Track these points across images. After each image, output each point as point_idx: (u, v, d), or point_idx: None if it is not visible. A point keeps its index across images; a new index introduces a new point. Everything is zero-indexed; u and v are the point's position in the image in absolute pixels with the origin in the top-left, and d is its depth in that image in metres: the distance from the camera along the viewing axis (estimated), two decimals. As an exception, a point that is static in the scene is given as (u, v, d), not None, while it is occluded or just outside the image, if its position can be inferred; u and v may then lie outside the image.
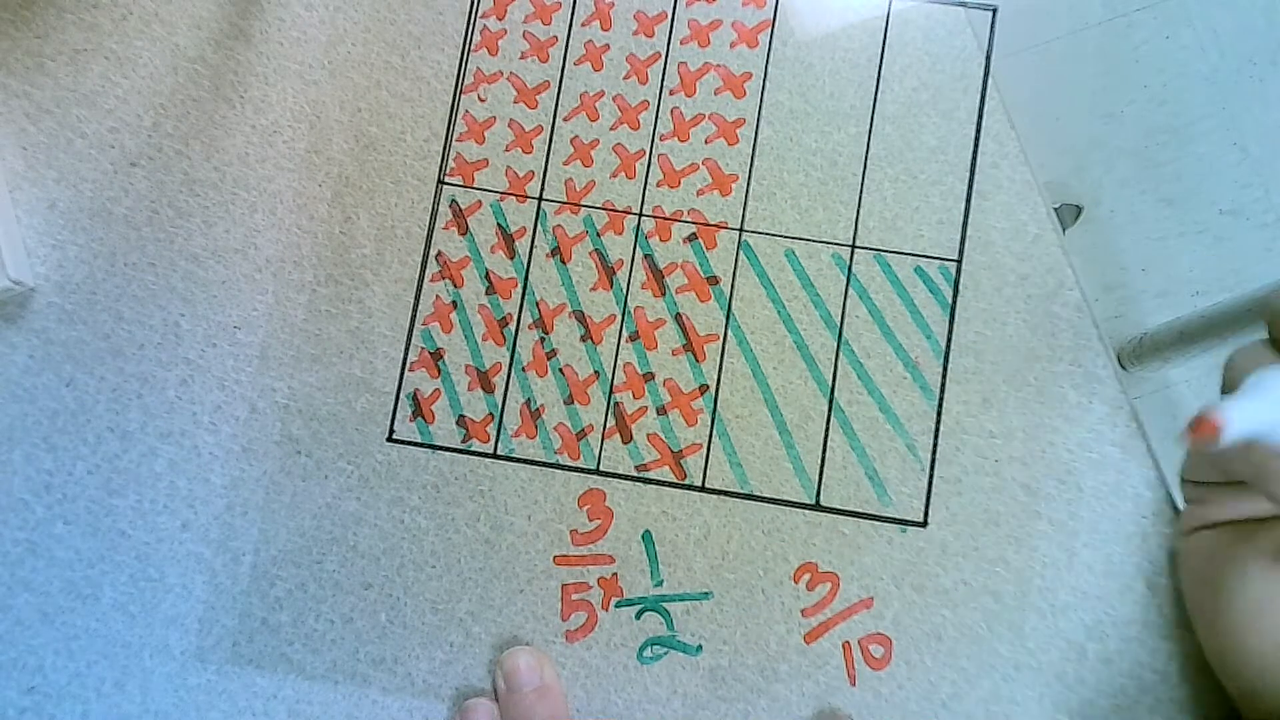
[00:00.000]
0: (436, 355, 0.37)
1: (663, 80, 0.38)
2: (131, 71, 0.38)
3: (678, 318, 0.37)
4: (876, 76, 0.38)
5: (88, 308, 0.37)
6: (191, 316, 0.37)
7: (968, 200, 0.37)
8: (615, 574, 0.35)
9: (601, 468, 0.36)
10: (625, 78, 0.38)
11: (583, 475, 0.36)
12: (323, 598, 0.36)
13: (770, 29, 0.38)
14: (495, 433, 0.36)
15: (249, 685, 0.35)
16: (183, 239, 0.38)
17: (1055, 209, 0.41)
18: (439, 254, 0.37)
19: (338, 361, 0.37)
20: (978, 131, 0.37)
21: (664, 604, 0.35)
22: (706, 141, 0.38)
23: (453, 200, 0.38)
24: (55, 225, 0.38)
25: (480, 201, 0.38)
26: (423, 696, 0.35)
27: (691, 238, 0.37)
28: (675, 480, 0.36)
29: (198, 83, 0.38)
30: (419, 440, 0.36)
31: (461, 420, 0.36)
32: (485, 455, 0.36)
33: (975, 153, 0.37)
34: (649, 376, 0.36)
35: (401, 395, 0.37)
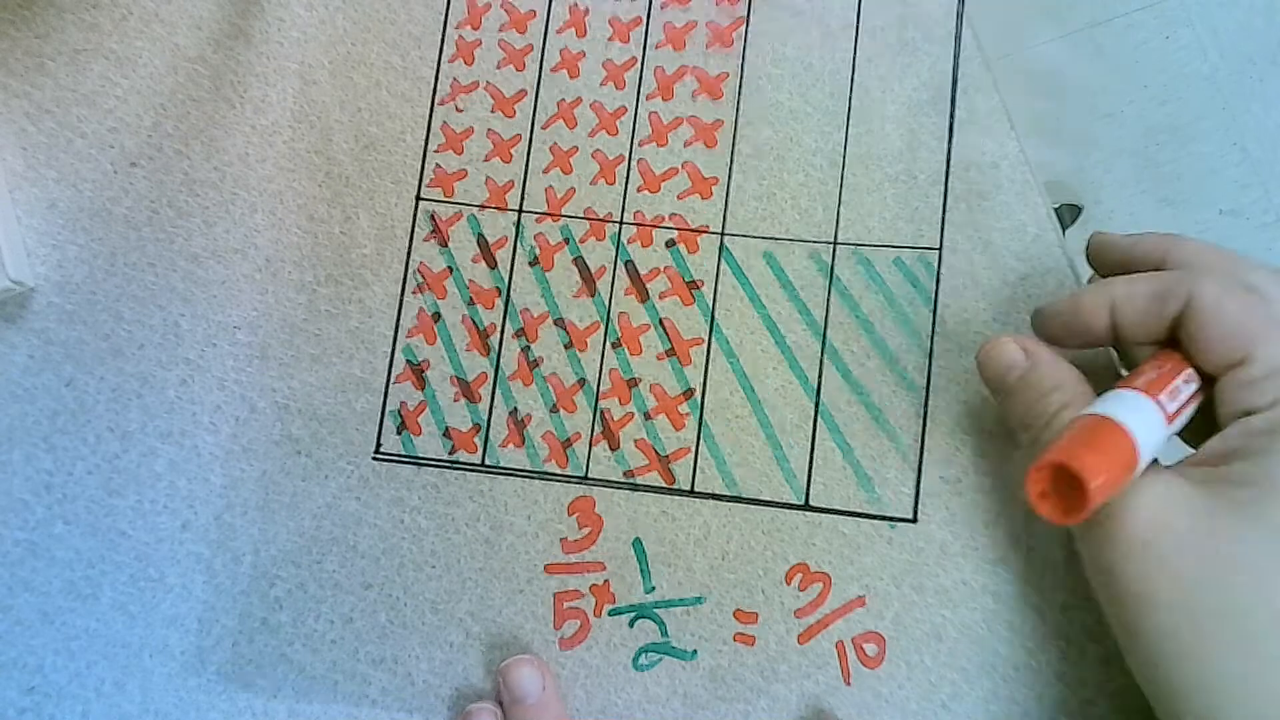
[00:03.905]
0: (420, 368, 0.37)
1: (639, 85, 0.38)
2: (131, 71, 0.38)
3: (661, 323, 0.37)
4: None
5: (88, 308, 0.37)
6: (191, 316, 0.37)
7: (944, 196, 0.37)
8: (607, 580, 0.35)
9: (590, 475, 0.36)
10: (602, 84, 0.38)
11: (571, 484, 0.36)
12: (323, 598, 0.36)
13: (744, 28, 0.38)
14: (482, 443, 0.36)
15: (249, 685, 0.35)
16: (183, 239, 0.38)
17: (1055, 209, 0.41)
18: (419, 266, 0.37)
19: (338, 361, 0.37)
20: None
21: (657, 610, 0.35)
22: (685, 145, 0.38)
23: (432, 213, 0.38)
24: (55, 225, 0.38)
25: (460, 213, 0.38)
26: (423, 696, 0.35)
27: (671, 243, 0.37)
28: (664, 485, 0.36)
29: (198, 83, 0.38)
30: (404, 455, 0.36)
31: (448, 432, 0.36)
32: (473, 468, 0.36)
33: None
34: (634, 382, 0.36)
35: (387, 410, 0.36)
